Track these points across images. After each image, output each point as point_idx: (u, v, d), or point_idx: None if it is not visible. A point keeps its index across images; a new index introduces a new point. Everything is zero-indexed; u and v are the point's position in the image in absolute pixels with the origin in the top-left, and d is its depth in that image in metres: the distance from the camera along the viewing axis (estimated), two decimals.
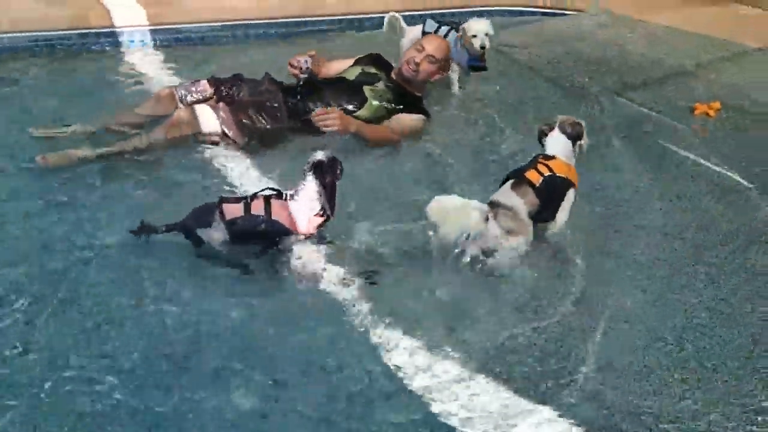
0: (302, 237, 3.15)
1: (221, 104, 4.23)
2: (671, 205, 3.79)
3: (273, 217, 3.07)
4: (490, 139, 4.52)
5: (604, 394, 2.53)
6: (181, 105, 4.34)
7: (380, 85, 4.51)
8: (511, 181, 3.27)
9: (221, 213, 3.05)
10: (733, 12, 7.76)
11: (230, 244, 3.08)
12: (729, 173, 4.10)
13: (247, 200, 3.10)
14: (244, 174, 3.98)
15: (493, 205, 3.18)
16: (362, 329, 2.81)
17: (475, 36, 4.77)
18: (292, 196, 3.12)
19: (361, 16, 6.84)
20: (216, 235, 3.06)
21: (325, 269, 3.11)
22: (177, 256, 3.16)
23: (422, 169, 4.13)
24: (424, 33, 5.07)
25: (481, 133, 4.62)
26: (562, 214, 3.29)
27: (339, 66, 4.81)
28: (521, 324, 2.86)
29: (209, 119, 4.16)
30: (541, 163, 3.27)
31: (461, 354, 2.70)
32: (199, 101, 4.33)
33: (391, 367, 2.62)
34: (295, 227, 3.10)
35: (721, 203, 3.81)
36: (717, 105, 4.91)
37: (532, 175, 3.23)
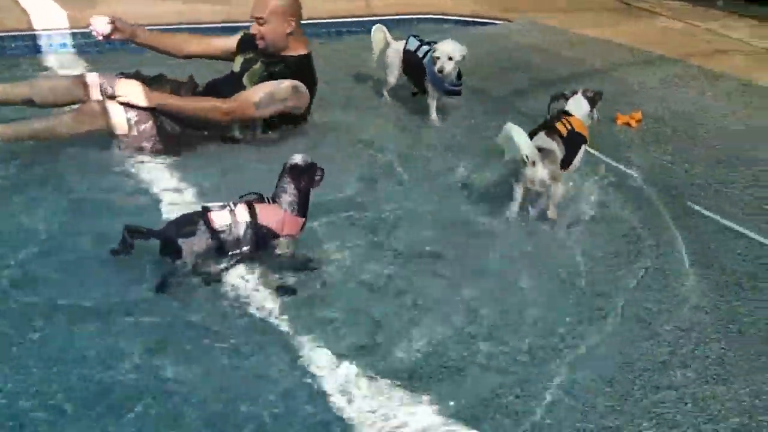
0: (287, 239, 3.09)
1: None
2: (594, 214, 3.80)
3: (260, 222, 3.03)
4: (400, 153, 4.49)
5: (522, 413, 2.50)
6: (98, 96, 4.15)
7: (257, 65, 4.35)
8: (543, 131, 3.64)
9: (207, 223, 2.97)
10: (655, 24, 7.98)
11: (217, 254, 3.01)
12: (648, 185, 4.16)
13: (231, 207, 3.04)
14: (162, 179, 3.90)
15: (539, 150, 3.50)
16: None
17: (439, 57, 4.57)
18: (273, 199, 3.09)
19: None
20: (200, 244, 2.95)
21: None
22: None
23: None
24: (405, 50, 4.93)
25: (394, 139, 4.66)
26: (575, 163, 3.76)
27: (219, 43, 4.68)
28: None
29: (120, 118, 4.02)
30: (564, 118, 3.72)
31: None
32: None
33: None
34: (282, 230, 3.06)
35: (639, 213, 3.85)
36: (638, 115, 5.00)
37: (560, 126, 3.65)
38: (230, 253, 3.05)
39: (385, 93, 5.23)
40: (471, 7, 7.86)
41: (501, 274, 3.28)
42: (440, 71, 4.55)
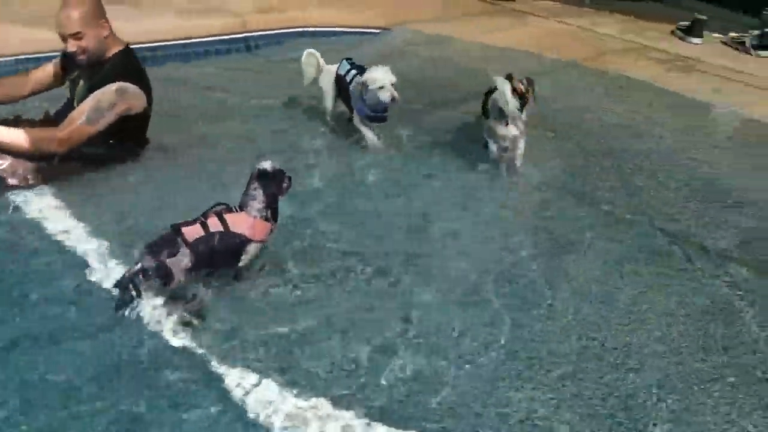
0: (257, 245, 3.09)
1: None
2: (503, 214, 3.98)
3: (232, 230, 3.01)
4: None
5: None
6: None
7: (81, 83, 4.10)
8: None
9: (182, 238, 2.92)
10: (535, 25, 8.12)
11: (193, 269, 2.95)
12: (547, 185, 4.30)
13: (202, 219, 3.01)
14: (39, 211, 3.67)
15: None
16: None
17: (382, 87, 4.30)
18: (241, 207, 3.07)
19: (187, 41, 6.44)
20: (182, 262, 2.91)
21: None
22: None
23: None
24: (337, 74, 4.73)
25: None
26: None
27: (49, 70, 4.31)
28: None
29: None
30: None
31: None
32: None
33: None
34: (254, 236, 3.05)
35: (548, 211, 4.04)
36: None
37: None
38: (206, 265, 3.01)
39: (328, 118, 4.98)
40: (344, 17, 7.62)
41: None
42: (393, 99, 4.34)
